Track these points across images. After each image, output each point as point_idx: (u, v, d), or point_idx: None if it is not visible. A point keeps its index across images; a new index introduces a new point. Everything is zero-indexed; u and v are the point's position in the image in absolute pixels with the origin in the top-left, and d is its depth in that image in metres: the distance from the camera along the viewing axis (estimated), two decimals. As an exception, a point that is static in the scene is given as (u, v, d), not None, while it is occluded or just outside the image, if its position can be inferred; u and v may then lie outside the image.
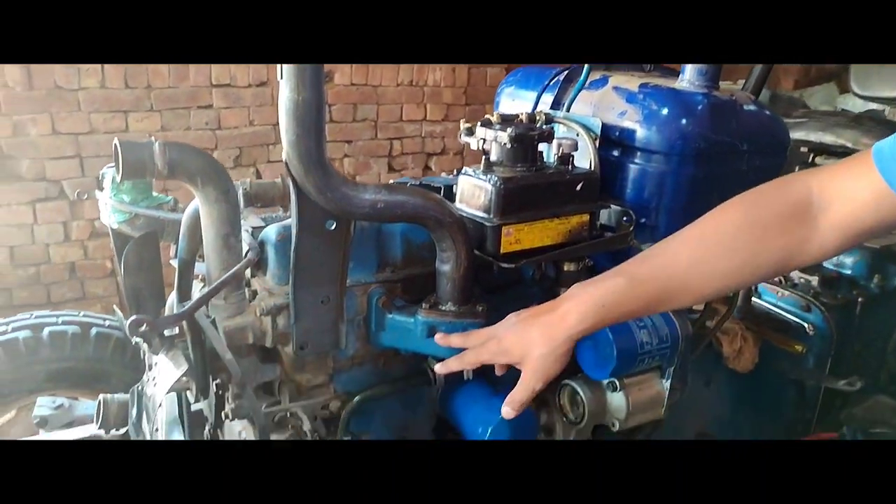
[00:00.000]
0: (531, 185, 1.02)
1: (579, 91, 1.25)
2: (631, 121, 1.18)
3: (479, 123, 1.13)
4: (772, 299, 1.88)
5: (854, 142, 1.79)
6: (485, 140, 1.06)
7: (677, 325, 1.18)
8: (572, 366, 1.06)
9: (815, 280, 1.92)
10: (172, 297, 1.25)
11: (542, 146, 1.13)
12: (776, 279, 1.95)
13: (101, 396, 1.31)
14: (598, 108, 1.23)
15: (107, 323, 1.82)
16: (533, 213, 1.02)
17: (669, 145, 1.15)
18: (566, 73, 1.34)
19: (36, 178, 3.05)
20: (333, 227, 0.95)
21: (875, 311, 1.90)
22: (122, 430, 1.32)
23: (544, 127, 1.07)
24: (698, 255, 0.87)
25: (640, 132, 1.17)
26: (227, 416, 1.07)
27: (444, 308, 1.02)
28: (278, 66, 0.83)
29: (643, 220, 1.18)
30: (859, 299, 1.85)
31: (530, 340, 0.94)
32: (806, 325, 1.76)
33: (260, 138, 3.40)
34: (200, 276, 1.26)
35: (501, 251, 1.02)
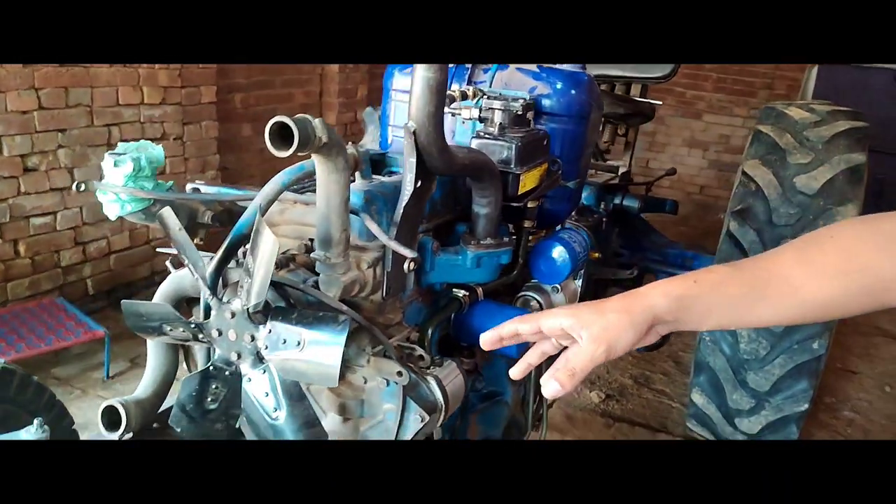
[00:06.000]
0: (531, 141, 1.37)
1: (496, 72, 1.61)
2: (541, 93, 1.59)
3: (461, 99, 1.42)
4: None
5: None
6: (485, 109, 1.36)
7: (589, 238, 1.66)
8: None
9: (572, 210, 2.63)
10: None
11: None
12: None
13: (113, 401, 1.20)
14: (510, 85, 1.61)
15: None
16: (532, 164, 1.37)
17: (569, 110, 1.59)
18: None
19: None
20: (419, 184, 1.16)
21: (607, 227, 2.69)
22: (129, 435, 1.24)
23: (528, 100, 1.42)
24: (807, 253, 0.80)
25: (548, 102, 1.59)
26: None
27: (484, 242, 1.31)
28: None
29: (555, 167, 1.62)
30: (603, 220, 2.61)
31: (605, 307, 0.83)
32: (580, 241, 2.43)
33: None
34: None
35: (518, 193, 1.35)
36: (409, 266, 1.07)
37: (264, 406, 1.12)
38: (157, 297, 1.30)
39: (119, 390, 2.94)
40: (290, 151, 0.95)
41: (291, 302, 1.15)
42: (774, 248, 0.84)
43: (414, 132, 1.07)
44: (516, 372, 0.94)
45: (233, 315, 1.12)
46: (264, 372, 1.12)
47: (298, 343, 1.05)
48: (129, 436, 1.25)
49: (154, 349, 1.32)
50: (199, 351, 1.38)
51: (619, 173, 2.92)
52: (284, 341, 1.06)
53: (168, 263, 1.38)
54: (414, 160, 1.10)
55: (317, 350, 1.03)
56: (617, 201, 2.78)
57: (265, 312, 1.10)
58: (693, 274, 0.84)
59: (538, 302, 1.59)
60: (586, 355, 0.82)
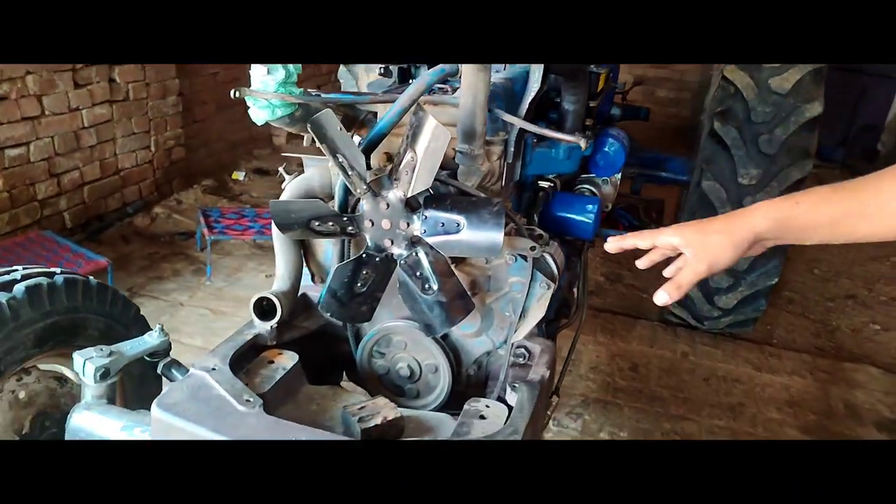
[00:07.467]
0: (605, 45, 1.54)
1: None
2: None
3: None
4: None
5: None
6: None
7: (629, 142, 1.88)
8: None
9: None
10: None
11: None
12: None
13: (265, 293, 1.32)
14: None
15: (59, 270, 1.57)
16: (603, 67, 1.55)
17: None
18: None
19: None
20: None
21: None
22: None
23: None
24: None
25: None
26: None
27: (571, 137, 1.49)
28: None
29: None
30: (594, 126, 2.83)
31: (708, 226, 0.93)
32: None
33: None
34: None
35: (597, 91, 1.53)
36: (585, 146, 1.25)
37: (417, 284, 1.28)
38: (284, 198, 1.41)
39: (128, 317, 2.97)
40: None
41: (431, 192, 1.29)
42: (873, 173, 0.88)
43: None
44: (643, 263, 1.08)
45: (388, 206, 1.26)
46: (416, 254, 1.27)
47: (458, 225, 1.21)
48: (274, 326, 1.38)
49: (283, 249, 1.43)
50: (318, 247, 1.50)
51: (600, 83, 3.13)
52: (443, 224, 1.22)
53: (281, 170, 1.49)
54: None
55: (477, 230, 1.20)
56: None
57: (417, 202, 1.24)
58: (795, 195, 0.93)
59: (592, 192, 1.80)
60: (690, 272, 0.95)
